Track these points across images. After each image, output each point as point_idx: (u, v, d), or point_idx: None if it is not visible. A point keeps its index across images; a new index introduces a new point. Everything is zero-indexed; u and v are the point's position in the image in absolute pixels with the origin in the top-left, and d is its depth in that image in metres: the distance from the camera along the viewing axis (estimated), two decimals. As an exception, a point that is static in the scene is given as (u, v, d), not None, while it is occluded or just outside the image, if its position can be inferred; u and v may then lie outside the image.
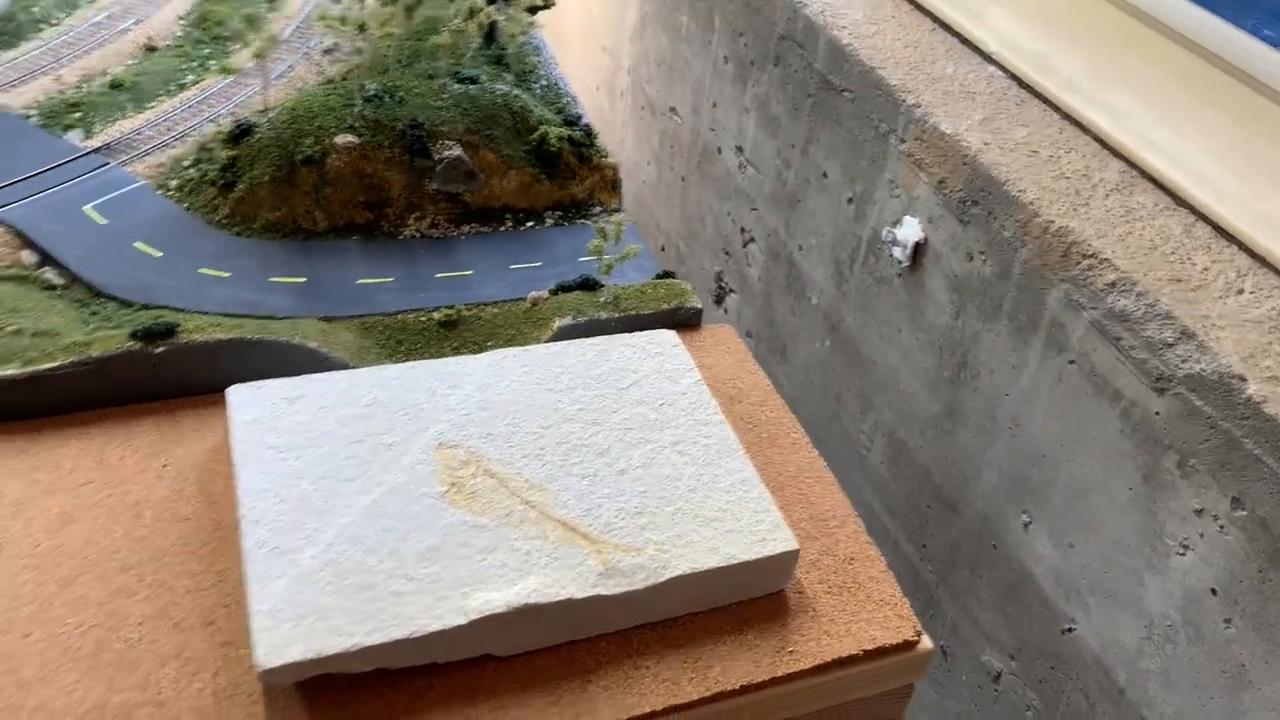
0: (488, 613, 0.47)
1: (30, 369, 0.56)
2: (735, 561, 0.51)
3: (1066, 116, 0.79)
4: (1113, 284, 0.64)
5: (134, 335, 0.58)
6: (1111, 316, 0.64)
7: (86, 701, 0.45)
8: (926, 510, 0.85)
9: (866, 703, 0.54)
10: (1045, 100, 0.80)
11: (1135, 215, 0.69)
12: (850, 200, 0.89)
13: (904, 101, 0.81)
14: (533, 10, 0.85)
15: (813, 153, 0.94)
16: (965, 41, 0.88)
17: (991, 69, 0.85)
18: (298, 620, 0.45)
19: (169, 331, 0.58)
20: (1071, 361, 0.68)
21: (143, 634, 0.47)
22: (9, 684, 0.45)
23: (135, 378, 0.58)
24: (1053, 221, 0.69)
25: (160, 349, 0.58)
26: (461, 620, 0.46)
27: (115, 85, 0.84)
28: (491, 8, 0.82)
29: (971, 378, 0.78)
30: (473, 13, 0.75)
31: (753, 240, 1.06)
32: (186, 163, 0.76)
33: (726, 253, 1.12)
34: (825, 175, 0.92)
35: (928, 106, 0.80)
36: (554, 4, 0.87)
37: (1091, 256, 0.66)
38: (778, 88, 0.98)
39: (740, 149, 1.06)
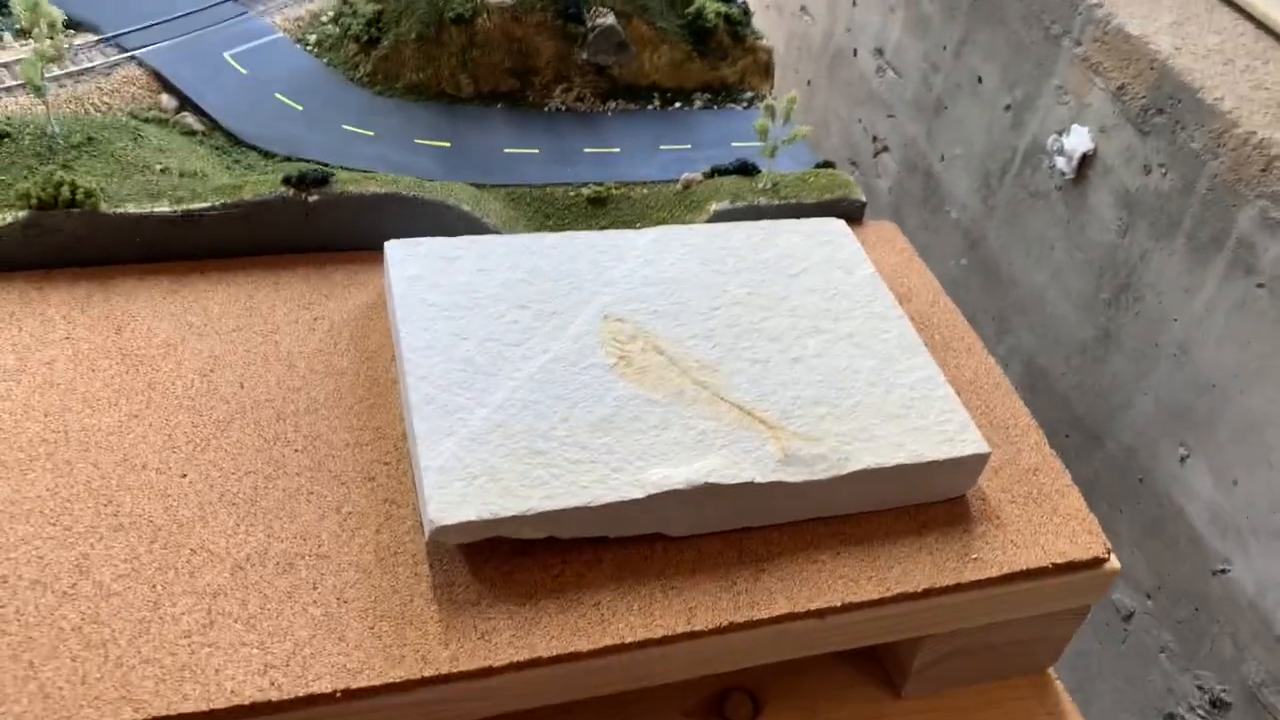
0: (666, 489, 0.44)
1: (182, 207, 0.53)
2: (921, 460, 0.47)
3: (1262, 26, 0.72)
4: (1324, 202, 0.59)
5: (287, 181, 0.55)
6: (1319, 237, 0.59)
7: (246, 547, 0.43)
8: (1064, 440, 0.81)
9: (1044, 620, 0.50)
10: (1237, 8, 0.74)
11: (1349, 131, 0.63)
12: (1008, 107, 0.84)
13: (1084, 1, 0.75)
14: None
15: (966, 55, 0.88)
16: (1147, -58, 0.81)
17: (1178, -28, 0.78)
18: (469, 480, 0.43)
19: (323, 180, 0.55)
20: (1260, 285, 0.63)
21: (300, 484, 0.45)
22: (168, 522, 0.43)
23: (285, 226, 0.55)
24: (1254, 133, 0.63)
25: (314, 197, 0.55)
26: (639, 494, 0.44)
27: (250, -67, 0.80)
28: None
29: (1134, 300, 0.73)
30: None
31: (886, 149, 1.01)
32: (325, 18, 0.72)
33: (854, 163, 1.07)
34: (980, 80, 0.87)
35: (1110, 6, 0.74)
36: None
37: (1300, 171, 0.61)
38: (932, -15, 0.92)
39: (880, 51, 1.01)
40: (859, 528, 0.48)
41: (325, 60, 0.70)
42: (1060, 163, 0.78)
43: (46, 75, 0.56)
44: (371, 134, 0.65)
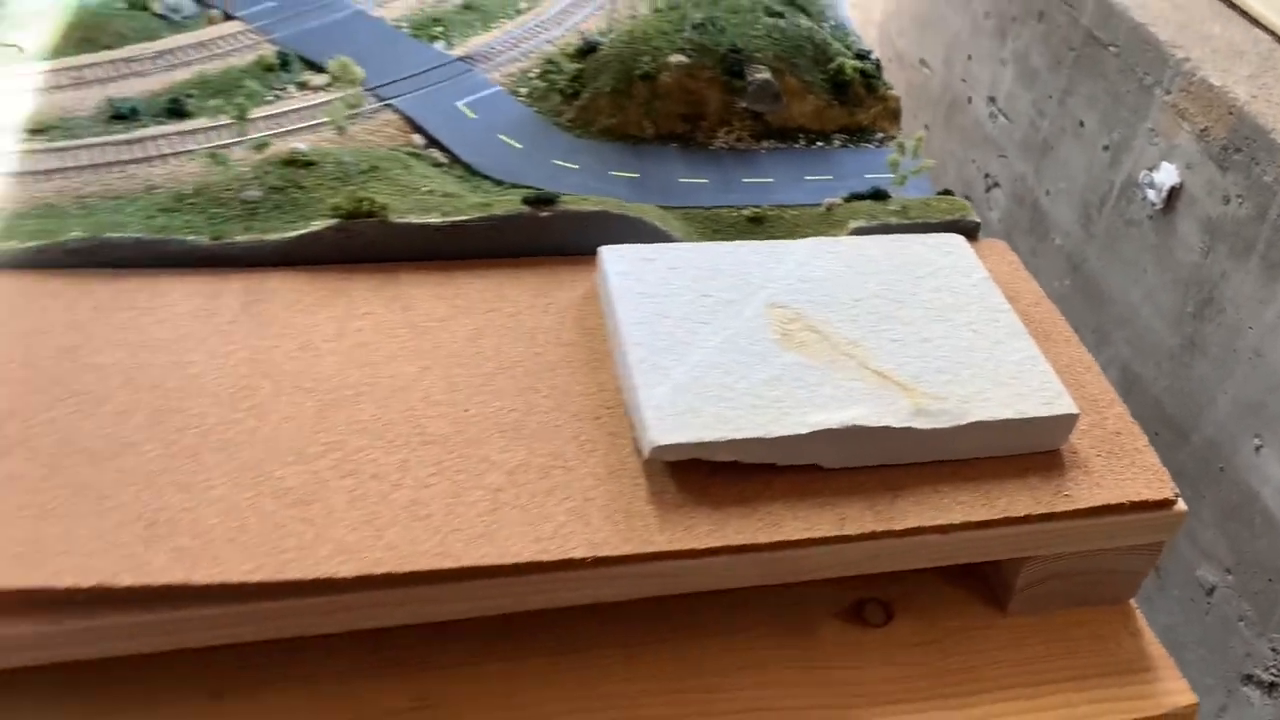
0: (823, 428, 0.58)
1: (449, 219, 0.70)
2: (1024, 416, 0.60)
3: (1331, 79, 0.84)
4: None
5: (525, 201, 0.71)
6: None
7: (515, 460, 0.58)
8: (1155, 437, 0.92)
9: (1124, 553, 0.63)
10: (1312, 62, 0.86)
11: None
12: (1106, 147, 0.96)
13: (1173, 56, 0.88)
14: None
15: (1070, 103, 1.01)
16: (1231, 5, 0.93)
17: (1257, 31, 0.90)
18: (677, 415, 0.58)
19: (552, 200, 0.71)
20: (1323, 296, 0.75)
21: (548, 420, 0.61)
22: (460, 441, 0.59)
23: (524, 235, 0.72)
24: (1317, 168, 0.75)
25: (546, 213, 0.71)
26: (803, 430, 0.58)
27: (466, 6, 0.98)
28: (794, -46, 0.92)
29: (1215, 313, 0.85)
30: (791, -45, 0.86)
31: (996, 185, 1.14)
32: (533, 74, 0.90)
33: (967, 197, 1.20)
34: (1081, 124, 0.99)
35: (1196, 61, 0.86)
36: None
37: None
38: (1039, 42, 1.05)
39: (993, 99, 1.14)
40: (973, 469, 0.61)
41: (535, 108, 0.87)
42: (1151, 195, 0.90)
43: (344, 121, 0.74)
44: (575, 167, 0.81)
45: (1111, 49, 0.95)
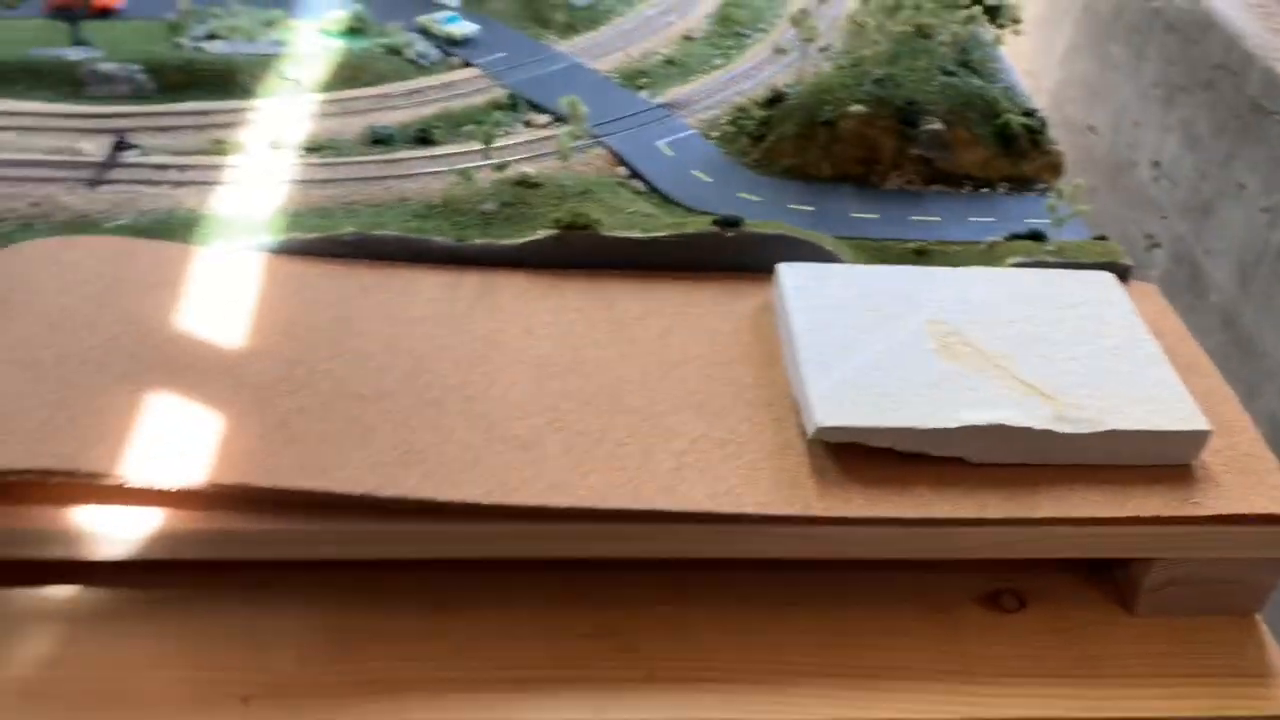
0: (972, 424, 0.66)
1: (648, 234, 0.82)
2: (1159, 429, 0.67)
3: None
4: None
5: (715, 221, 0.82)
6: None
7: (696, 431, 0.68)
8: (1303, 487, 0.94)
9: (1251, 564, 0.68)
10: None
11: None
12: (1265, 210, 1.00)
13: (1334, 123, 0.92)
14: (1000, 26, 1.04)
15: (1232, 167, 1.06)
16: (1402, 78, 0.97)
17: None
18: (839, 403, 0.67)
19: (738, 222, 0.82)
20: None
21: (725, 403, 0.71)
22: (650, 413, 0.69)
23: (710, 252, 0.82)
24: None
25: (731, 233, 0.82)
26: (954, 425, 0.66)
27: (668, 61, 1.11)
28: (970, 26, 1.01)
29: (1368, 367, 0.88)
30: (969, 20, 0.95)
31: (1157, 245, 1.18)
32: (724, 120, 1.01)
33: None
34: (1242, 187, 1.04)
35: (1358, 129, 0.91)
36: (1019, 31, 1.05)
37: None
38: (1205, 109, 1.10)
39: (1157, 163, 1.19)
40: (1107, 474, 0.67)
41: (724, 149, 0.98)
42: (1308, 253, 0.94)
43: (569, 150, 0.87)
44: (757, 199, 0.92)
45: (1275, 116, 0.99)
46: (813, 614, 0.69)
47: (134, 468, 0.61)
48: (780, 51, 1.08)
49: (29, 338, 0.69)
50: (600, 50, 1.13)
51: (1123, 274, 0.84)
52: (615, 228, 0.82)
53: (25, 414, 0.63)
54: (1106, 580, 0.72)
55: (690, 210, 0.90)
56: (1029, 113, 0.97)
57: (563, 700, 0.64)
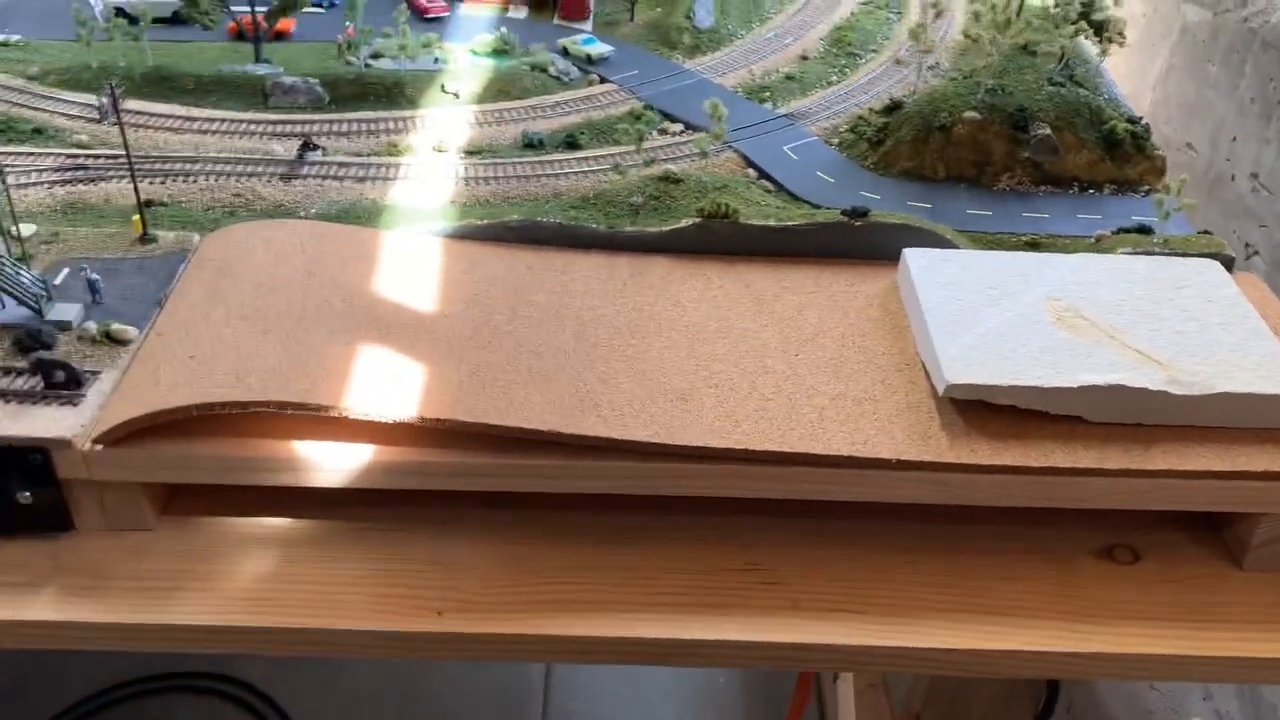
0: (1090, 384, 0.72)
1: (783, 223, 0.90)
2: (1265, 393, 0.72)
3: None
4: None
5: (843, 212, 0.90)
6: None
7: (835, 390, 0.76)
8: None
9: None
10: None
11: None
12: (1366, 212, 1.05)
13: None
14: (1106, 40, 1.11)
15: (1332, 175, 1.10)
16: None
17: None
18: (966, 364, 0.74)
19: (865, 213, 0.90)
20: None
21: (859, 368, 0.78)
22: (792, 374, 0.77)
23: (839, 239, 0.90)
24: None
25: (859, 222, 0.90)
26: (1074, 385, 0.72)
27: (788, 78, 1.20)
28: (1076, 39, 1.08)
29: None
30: (1076, 34, 1.03)
31: (1256, 253, 1.23)
32: (844, 128, 1.09)
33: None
34: (1342, 193, 1.08)
35: None
36: (1123, 44, 1.11)
37: None
38: (1304, 121, 1.15)
39: (1255, 175, 1.24)
40: (1218, 434, 0.73)
41: (845, 154, 1.06)
42: None
43: (709, 148, 0.96)
44: (877, 197, 1.00)
45: (1375, 126, 1.04)
46: (939, 560, 0.76)
47: (355, 403, 0.70)
48: (898, 63, 1.17)
49: (252, 299, 0.79)
50: (724, 68, 1.22)
51: (1228, 264, 0.90)
52: (753, 217, 0.91)
53: (257, 359, 0.73)
54: (1215, 539, 0.78)
55: (816, 207, 0.98)
56: (1133, 120, 1.04)
57: (717, 623, 0.71)
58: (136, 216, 0.87)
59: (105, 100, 0.80)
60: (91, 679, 1.76)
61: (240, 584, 0.72)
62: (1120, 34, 1.07)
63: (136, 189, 0.87)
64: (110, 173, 0.96)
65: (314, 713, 1.78)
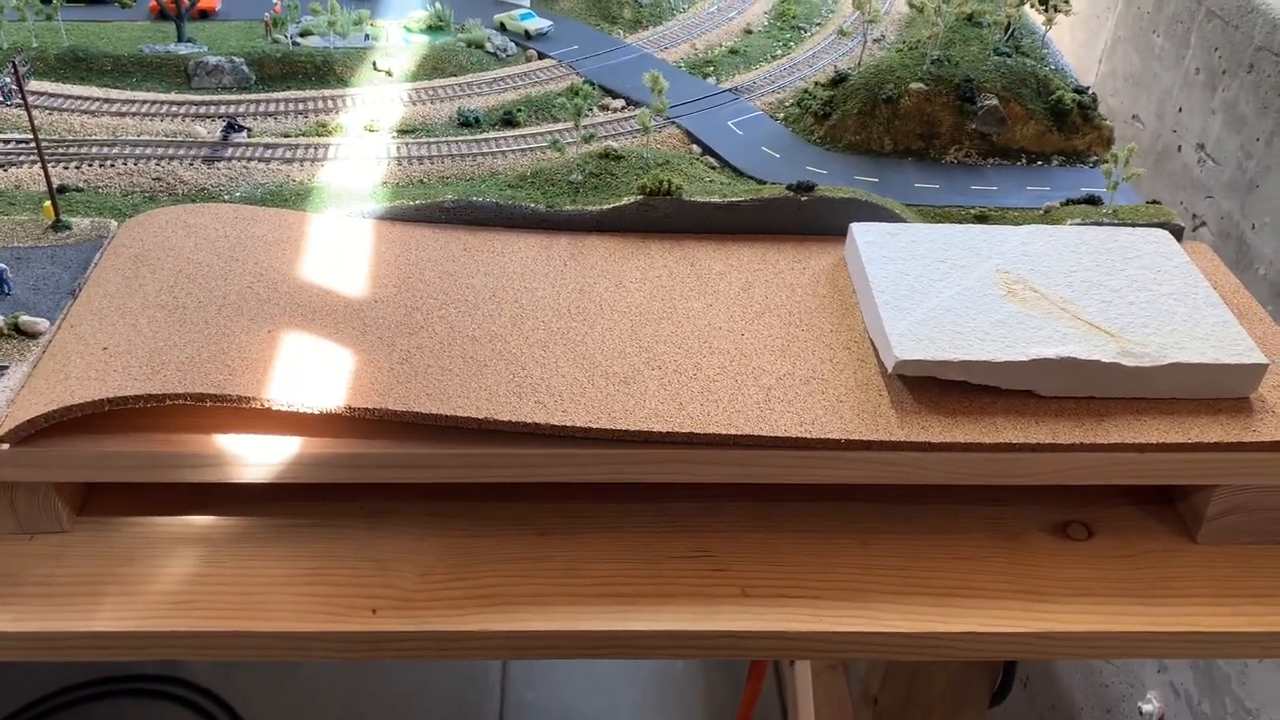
0: (1040, 357, 0.71)
1: (726, 200, 0.87)
2: (1217, 362, 0.71)
3: None
4: None
5: (788, 187, 0.88)
6: None
7: (781, 370, 0.73)
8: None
9: (1308, 489, 0.72)
10: None
11: None
12: (1311, 180, 1.04)
13: (1377, 94, 0.96)
14: (1051, 11, 1.09)
15: (1277, 143, 1.10)
16: None
17: None
18: (916, 340, 0.72)
19: (811, 187, 0.88)
20: None
21: (808, 346, 0.76)
22: (738, 354, 0.75)
23: (785, 215, 0.88)
24: None
25: (804, 198, 0.87)
26: (1024, 358, 0.71)
27: (731, 52, 1.17)
28: (1022, 8, 1.07)
29: None
30: (1021, 3, 1.01)
31: (1203, 224, 1.22)
32: (789, 102, 1.07)
33: (1176, 233, 1.29)
34: (1288, 161, 1.08)
35: (1400, 98, 0.95)
36: (1069, 12, 1.10)
37: None
38: (1249, 91, 1.14)
39: (1202, 146, 1.23)
40: (1170, 405, 0.72)
41: (791, 129, 1.04)
42: (1354, 219, 0.98)
43: (650, 124, 0.93)
44: (824, 172, 0.97)
45: (1319, 93, 1.04)
46: (891, 541, 0.74)
47: (278, 393, 0.67)
48: (843, 35, 1.15)
49: (171, 287, 0.75)
50: (666, 43, 1.19)
51: (1176, 233, 0.89)
52: (696, 194, 0.88)
53: (175, 349, 0.69)
54: (1169, 512, 0.77)
55: (761, 183, 0.95)
56: (1080, 90, 1.02)
57: (664, 613, 0.69)
58: (48, 203, 0.82)
59: (7, 80, 0.76)
60: (38, 682, 1.71)
61: (163, 587, 0.68)
62: (1066, 2, 1.05)
63: (47, 173, 0.82)
64: (20, 157, 0.91)
65: (265, 712, 1.74)
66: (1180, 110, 1.29)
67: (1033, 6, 1.08)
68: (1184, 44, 1.28)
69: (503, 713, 1.78)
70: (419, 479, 0.69)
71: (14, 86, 0.77)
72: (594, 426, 0.67)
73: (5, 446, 0.65)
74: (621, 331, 0.76)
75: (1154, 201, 0.93)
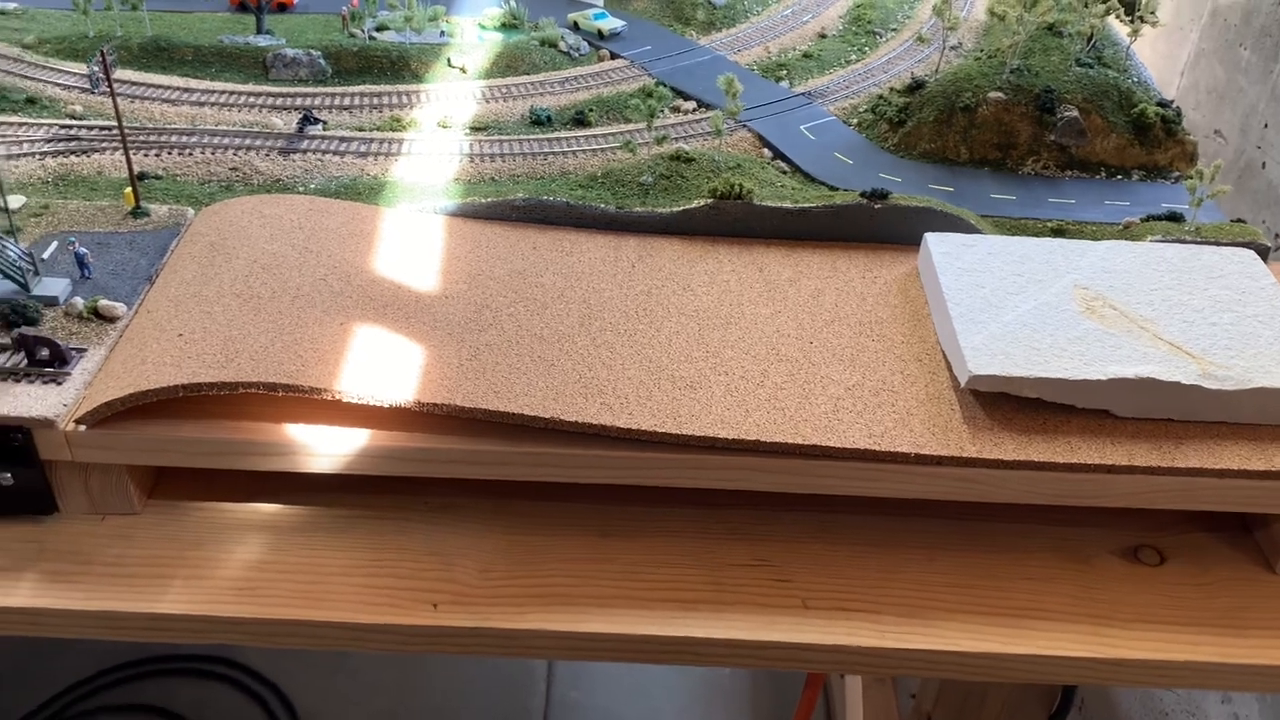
0: (1119, 376, 0.69)
1: (799, 205, 0.86)
2: (1303, 389, 0.69)
3: None
4: None
5: (863, 194, 0.87)
6: None
7: (851, 380, 0.72)
8: None
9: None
10: None
11: None
12: (1405, 203, 1.01)
13: None
14: (1139, 19, 1.06)
15: (1369, 163, 1.06)
16: None
17: None
18: (991, 355, 0.70)
19: (885, 195, 0.86)
20: None
21: (878, 357, 0.75)
22: (806, 363, 0.74)
23: (857, 223, 0.87)
24: None
25: (878, 205, 0.86)
26: (1102, 377, 0.69)
27: (805, 55, 1.16)
28: (1106, 19, 1.04)
29: None
30: (1107, 13, 0.99)
31: (1287, 244, 1.19)
32: (863, 108, 1.06)
33: (1257, 253, 1.25)
34: (1380, 182, 1.04)
35: None
36: (1156, 24, 1.07)
37: None
38: (1340, 108, 1.11)
39: (1288, 163, 1.20)
40: (1251, 431, 0.70)
41: (864, 134, 1.03)
42: None
43: (723, 126, 0.93)
44: (898, 180, 0.96)
45: None
46: (956, 559, 0.73)
47: (349, 385, 0.67)
48: (920, 41, 1.13)
49: (245, 276, 0.76)
50: (740, 45, 1.19)
51: (1262, 253, 0.86)
52: (768, 198, 0.87)
53: (249, 338, 0.70)
54: (1247, 540, 0.74)
55: (833, 189, 0.94)
56: (1164, 103, 1.00)
57: (724, 621, 0.68)
58: (129, 189, 0.84)
59: (96, 68, 0.77)
60: (91, 660, 1.74)
61: (228, 572, 0.69)
62: (1152, 13, 1.02)
63: (129, 161, 0.84)
64: (103, 144, 0.93)
65: (315, 697, 1.76)
66: (1266, 126, 1.25)
67: (1118, 18, 1.05)
68: (1273, 58, 1.25)
69: (547, 710, 1.78)
70: (484, 475, 0.70)
71: (102, 75, 0.79)
72: (659, 430, 0.67)
73: (82, 428, 0.66)
74: (688, 335, 0.76)
75: (1238, 220, 0.90)
